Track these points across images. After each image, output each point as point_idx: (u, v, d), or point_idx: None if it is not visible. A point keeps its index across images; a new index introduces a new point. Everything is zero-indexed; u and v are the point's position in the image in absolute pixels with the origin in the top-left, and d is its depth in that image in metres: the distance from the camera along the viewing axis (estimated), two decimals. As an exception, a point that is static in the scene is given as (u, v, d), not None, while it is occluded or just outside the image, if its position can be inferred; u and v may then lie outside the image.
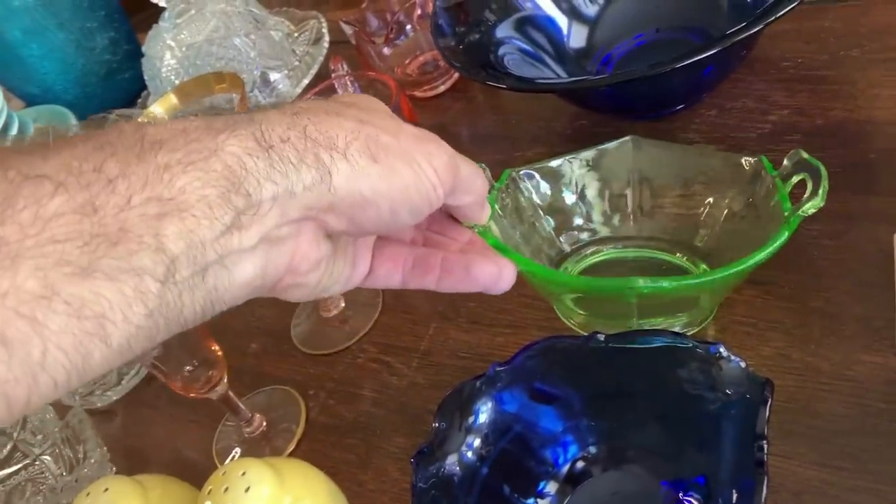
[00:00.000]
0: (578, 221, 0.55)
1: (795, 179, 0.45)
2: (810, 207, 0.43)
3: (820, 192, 0.43)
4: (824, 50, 0.64)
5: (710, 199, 0.52)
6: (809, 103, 0.61)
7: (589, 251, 0.54)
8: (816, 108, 0.61)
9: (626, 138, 0.53)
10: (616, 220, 0.54)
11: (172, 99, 0.59)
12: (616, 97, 0.63)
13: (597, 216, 0.55)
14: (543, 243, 0.54)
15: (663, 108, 0.65)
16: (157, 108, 0.58)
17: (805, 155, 0.45)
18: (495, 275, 0.37)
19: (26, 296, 0.23)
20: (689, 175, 0.52)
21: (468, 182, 0.36)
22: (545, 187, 0.54)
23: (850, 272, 0.51)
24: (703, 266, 0.51)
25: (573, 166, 0.54)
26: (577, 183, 0.54)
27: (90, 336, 0.24)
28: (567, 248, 0.54)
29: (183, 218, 0.26)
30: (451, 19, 0.69)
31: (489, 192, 0.43)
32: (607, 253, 0.55)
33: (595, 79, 0.64)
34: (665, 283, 0.42)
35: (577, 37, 0.70)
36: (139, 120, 0.29)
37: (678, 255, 0.53)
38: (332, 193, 0.30)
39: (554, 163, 0.54)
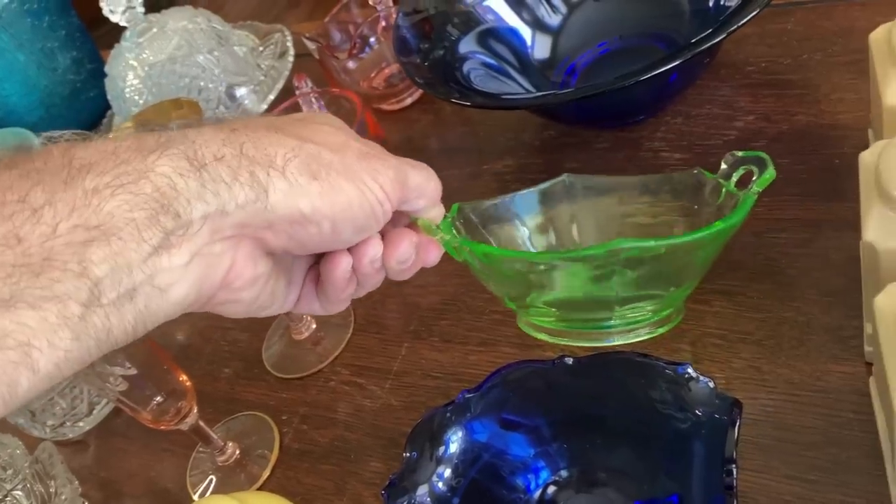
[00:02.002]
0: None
1: (736, 176, 0.45)
2: (765, 180, 0.42)
3: (768, 166, 0.43)
4: (788, 53, 0.64)
5: (655, 221, 0.52)
6: (774, 108, 0.61)
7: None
8: (781, 114, 0.61)
9: (562, 177, 0.52)
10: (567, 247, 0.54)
11: (130, 128, 0.58)
12: (582, 108, 0.63)
13: (548, 245, 0.54)
14: None
15: (629, 117, 0.65)
16: (115, 138, 0.57)
17: (740, 153, 0.45)
18: (334, 264, 0.36)
19: None
20: (630, 201, 0.52)
21: (419, 189, 0.36)
22: (492, 224, 0.53)
23: (818, 281, 0.51)
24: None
25: (515, 204, 0.53)
26: (521, 220, 0.54)
27: (15, 365, 0.24)
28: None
29: (110, 242, 0.26)
30: (415, 32, 0.69)
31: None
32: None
33: (560, 93, 0.64)
34: (651, 243, 0.41)
35: (540, 47, 0.69)
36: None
37: None
38: (269, 211, 0.30)
39: (496, 201, 0.53)
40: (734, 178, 0.46)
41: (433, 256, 0.40)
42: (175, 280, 0.29)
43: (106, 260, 0.26)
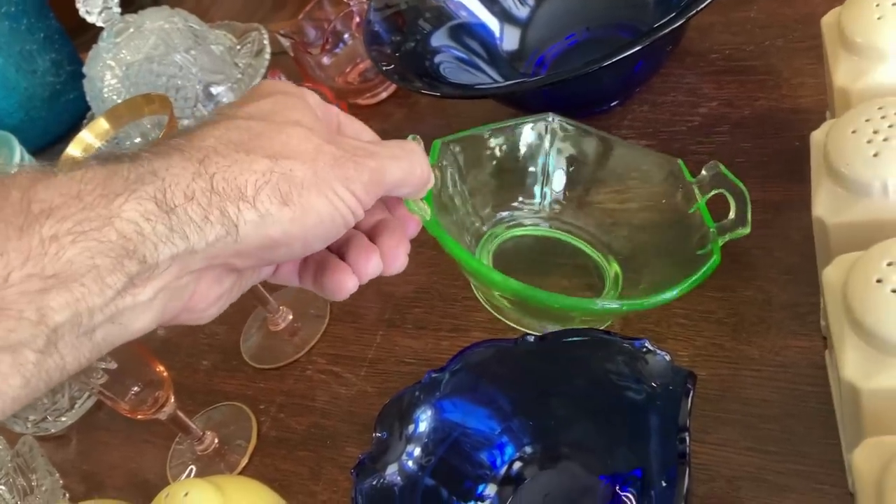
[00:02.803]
0: (502, 195, 0.55)
1: (713, 192, 0.47)
2: (738, 234, 0.44)
3: (747, 219, 0.45)
4: (750, 41, 0.66)
5: (627, 193, 0.53)
6: (737, 94, 0.63)
7: (511, 223, 0.55)
8: (744, 99, 0.62)
9: (546, 115, 0.54)
10: (536, 199, 0.56)
11: (104, 124, 0.59)
12: (551, 97, 0.64)
13: (519, 192, 0.56)
14: (467, 217, 0.54)
15: (596, 105, 0.66)
16: (88, 135, 0.58)
17: (724, 170, 0.47)
18: (347, 287, 0.36)
19: None
20: (608, 164, 0.54)
21: (400, 183, 0.35)
22: (469, 159, 0.54)
23: (778, 260, 0.52)
24: (615, 264, 0.53)
25: (497, 139, 0.55)
26: (499, 156, 0.55)
27: None
28: (484, 228, 0.55)
29: (70, 288, 0.25)
30: (388, 26, 0.70)
31: None
32: (527, 229, 0.56)
33: (527, 81, 0.65)
34: (614, 305, 0.43)
35: (509, 40, 0.70)
36: (36, 171, 0.28)
37: (596, 249, 0.54)
38: (239, 243, 0.30)
39: (479, 132, 0.54)
40: (709, 195, 0.48)
41: (412, 230, 0.40)
42: (137, 315, 0.28)
43: (67, 306, 0.25)
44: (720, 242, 0.46)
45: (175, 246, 0.28)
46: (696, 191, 0.48)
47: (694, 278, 0.45)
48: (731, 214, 0.47)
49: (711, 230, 0.47)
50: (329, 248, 0.37)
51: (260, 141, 0.31)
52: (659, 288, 0.48)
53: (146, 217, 0.27)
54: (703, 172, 0.47)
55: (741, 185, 0.46)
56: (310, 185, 0.31)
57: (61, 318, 0.25)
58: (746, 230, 0.45)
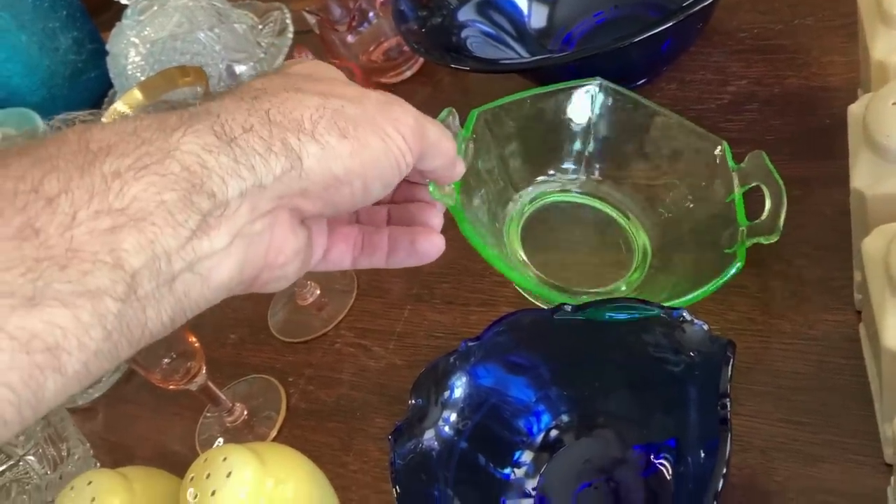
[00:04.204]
0: (539, 162, 0.56)
1: (753, 183, 0.47)
2: (766, 240, 0.44)
3: (778, 225, 0.45)
4: (779, 19, 0.66)
5: (665, 170, 0.53)
6: (766, 72, 0.63)
7: (545, 191, 0.56)
8: (773, 77, 0.62)
9: (595, 79, 0.54)
10: (574, 167, 0.56)
11: (137, 95, 0.59)
12: (578, 74, 0.64)
13: (557, 159, 0.56)
14: (500, 185, 0.54)
15: (625, 83, 0.65)
16: (122, 105, 0.58)
17: (767, 162, 0.46)
18: (439, 246, 0.38)
19: None
20: (651, 136, 0.53)
21: (436, 146, 0.36)
22: (507, 126, 0.54)
23: (810, 235, 0.52)
24: (646, 240, 0.53)
25: (540, 104, 0.55)
26: (541, 122, 0.55)
27: (41, 369, 0.23)
28: (517, 195, 0.55)
29: (141, 228, 0.24)
30: (413, 3, 0.70)
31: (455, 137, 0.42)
32: (561, 196, 0.56)
33: (556, 57, 0.65)
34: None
35: (537, 17, 0.70)
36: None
37: (630, 222, 0.54)
38: (304, 178, 0.29)
39: (519, 97, 0.54)
40: (748, 187, 0.48)
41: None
42: (216, 264, 0.27)
43: (141, 249, 0.24)
44: (746, 244, 0.45)
45: (243, 179, 0.27)
46: (735, 180, 0.48)
47: (715, 282, 0.45)
48: (765, 215, 0.47)
49: (741, 228, 0.47)
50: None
51: (306, 84, 0.31)
52: (685, 278, 0.49)
53: (207, 149, 0.27)
54: (746, 161, 0.47)
55: (780, 182, 0.46)
56: (363, 123, 0.31)
57: (138, 263, 0.24)
58: (774, 237, 0.45)
